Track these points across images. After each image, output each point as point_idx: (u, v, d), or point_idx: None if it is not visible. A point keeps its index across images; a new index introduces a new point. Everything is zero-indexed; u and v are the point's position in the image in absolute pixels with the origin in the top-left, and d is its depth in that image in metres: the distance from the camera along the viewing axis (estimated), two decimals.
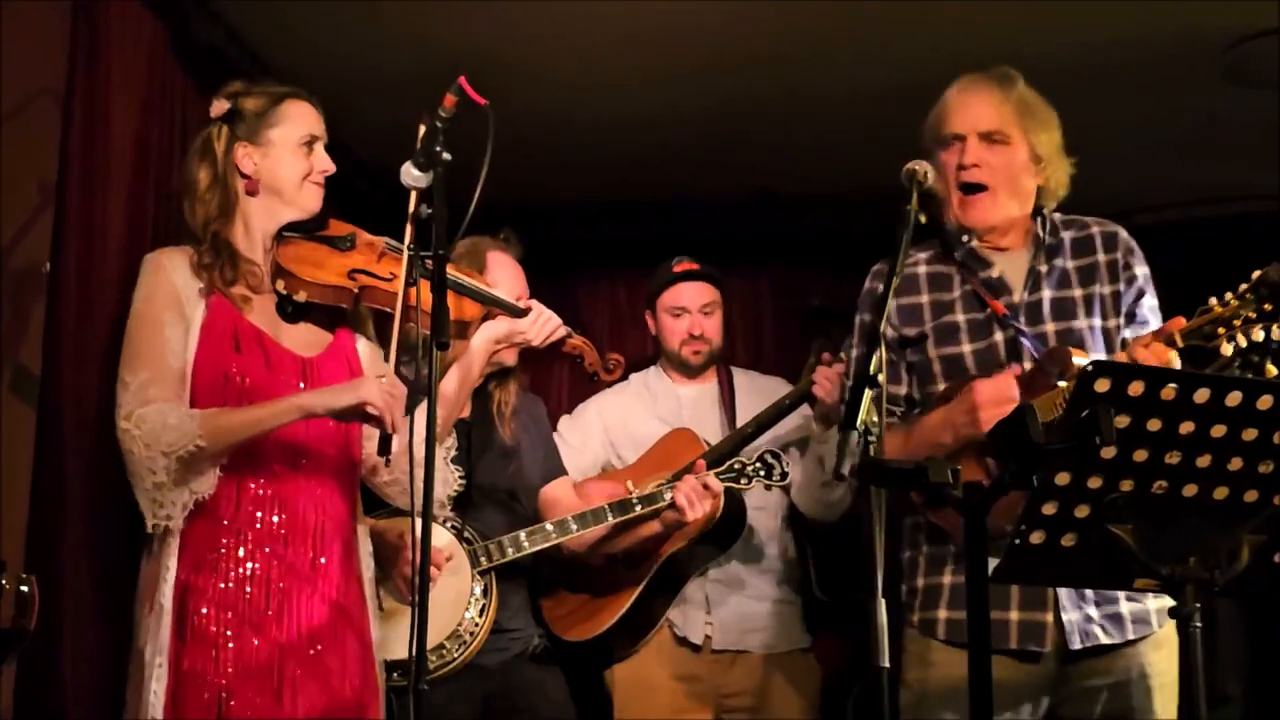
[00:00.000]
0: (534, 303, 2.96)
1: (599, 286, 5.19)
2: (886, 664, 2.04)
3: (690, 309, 3.77)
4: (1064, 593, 2.61)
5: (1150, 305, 2.73)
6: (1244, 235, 4.30)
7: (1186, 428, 1.92)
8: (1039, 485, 1.95)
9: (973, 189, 2.69)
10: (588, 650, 3.57)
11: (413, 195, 2.37)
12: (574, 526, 3.31)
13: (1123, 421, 1.89)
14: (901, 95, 3.95)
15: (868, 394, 2.07)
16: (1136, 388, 1.89)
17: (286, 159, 2.66)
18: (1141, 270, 2.73)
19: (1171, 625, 2.49)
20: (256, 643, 2.49)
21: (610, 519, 3.33)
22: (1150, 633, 2.64)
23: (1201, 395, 1.91)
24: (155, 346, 2.52)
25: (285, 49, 3.66)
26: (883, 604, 2.02)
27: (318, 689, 2.52)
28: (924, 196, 2.35)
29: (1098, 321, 2.69)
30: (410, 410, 2.26)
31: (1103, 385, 1.89)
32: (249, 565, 2.51)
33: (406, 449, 2.29)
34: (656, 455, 3.63)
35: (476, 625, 3.17)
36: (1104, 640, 2.62)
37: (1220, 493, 1.98)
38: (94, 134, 3.06)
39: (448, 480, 2.88)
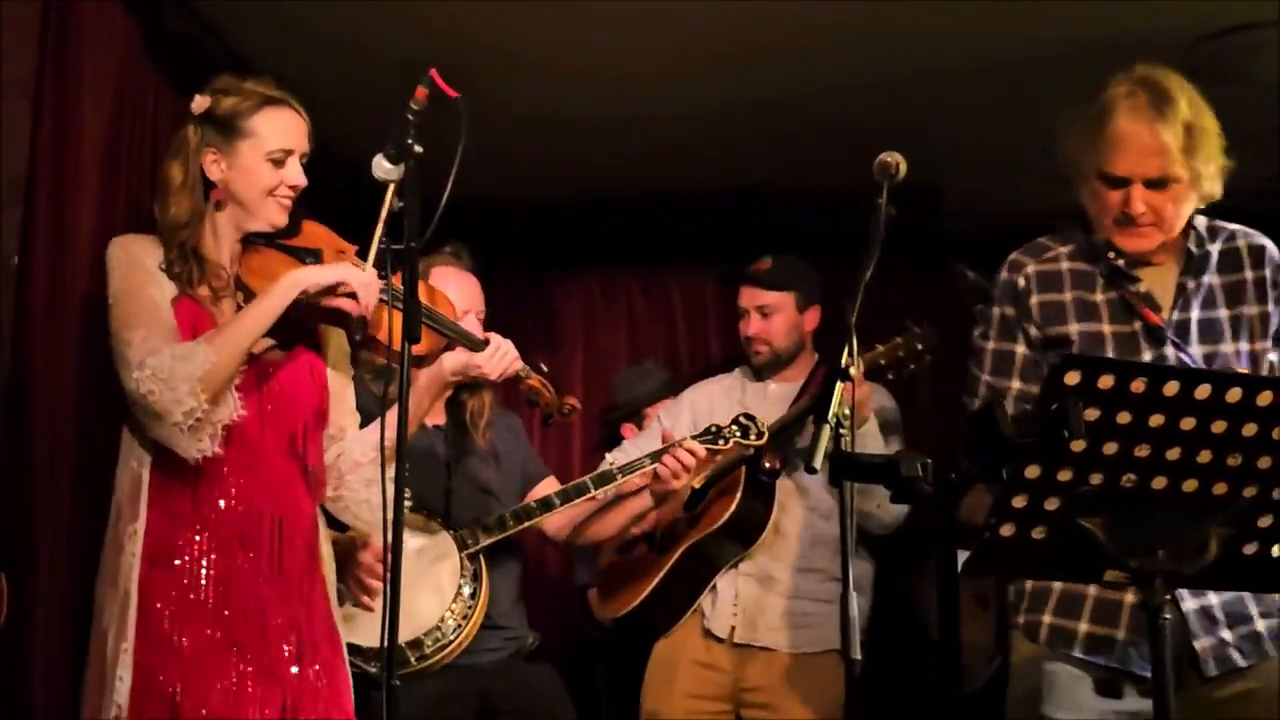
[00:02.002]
0: (494, 336, 2.95)
1: (573, 285, 5.19)
2: (859, 656, 2.04)
3: (749, 309, 3.81)
4: (1194, 619, 2.47)
5: None
6: None
7: (1156, 421, 1.93)
8: (1009, 478, 1.96)
9: (1138, 225, 2.56)
10: (636, 630, 3.67)
11: (390, 189, 2.36)
12: (557, 502, 3.30)
13: (1092, 414, 1.90)
14: (879, 90, 4.01)
15: (839, 386, 2.07)
16: (1106, 381, 1.91)
17: (252, 172, 2.60)
18: None
19: None
20: (211, 637, 2.48)
21: (593, 490, 3.32)
22: None
23: (1171, 388, 1.92)
24: (145, 307, 2.51)
25: (260, 42, 3.64)
26: (854, 597, 2.02)
27: (275, 687, 2.51)
28: (895, 190, 2.33)
29: (1245, 345, 2.57)
30: (381, 412, 2.25)
31: (1073, 378, 1.90)
32: (206, 560, 2.50)
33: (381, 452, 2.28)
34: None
35: (465, 619, 3.15)
36: (1241, 664, 2.49)
37: (1189, 485, 1.99)
38: (64, 127, 3.03)
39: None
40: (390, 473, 2.23)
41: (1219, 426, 1.95)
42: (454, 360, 2.88)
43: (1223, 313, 2.58)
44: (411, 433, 2.95)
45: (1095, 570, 2.05)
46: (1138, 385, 1.91)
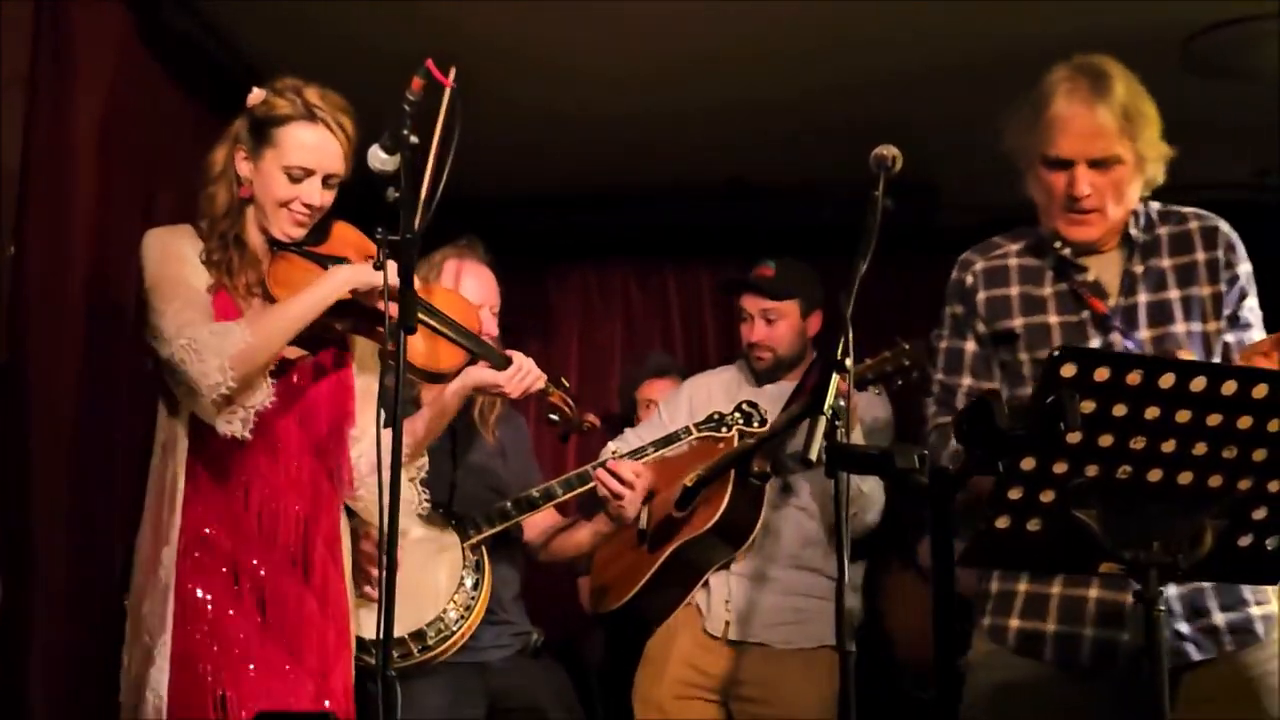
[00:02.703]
0: (516, 355, 2.93)
1: (569, 278, 5.18)
2: (852, 649, 2.04)
3: (752, 314, 3.80)
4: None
5: (1251, 306, 2.59)
6: None
7: (1152, 413, 1.93)
8: (1005, 470, 1.96)
9: (1083, 211, 2.57)
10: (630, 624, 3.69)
11: (428, 181, 2.34)
12: (559, 491, 3.30)
13: (1088, 407, 1.90)
14: (875, 85, 4.01)
15: (835, 378, 2.06)
16: (1102, 373, 1.91)
17: (270, 181, 2.60)
18: (1244, 269, 2.59)
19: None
20: (247, 627, 2.50)
21: (594, 475, 3.31)
22: (1254, 642, 2.47)
23: (1167, 380, 1.92)
24: (181, 287, 2.51)
25: (257, 35, 3.64)
26: (849, 589, 2.02)
27: (305, 679, 2.54)
28: (891, 183, 2.33)
29: (1197, 326, 2.55)
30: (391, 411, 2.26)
31: (1069, 370, 1.90)
32: (240, 554, 2.52)
33: (377, 455, 2.29)
34: (697, 450, 3.63)
35: (467, 610, 3.15)
36: (1196, 657, 2.44)
37: (1184, 477, 1.99)
38: (59, 120, 3.03)
39: (412, 500, 2.83)
40: (389, 477, 2.22)
41: (1214, 419, 1.95)
42: (477, 377, 2.88)
43: (1174, 294, 2.58)
44: (429, 442, 2.98)
45: (1090, 562, 2.05)
46: (1134, 378, 1.91)
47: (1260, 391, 1.95)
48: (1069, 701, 2.48)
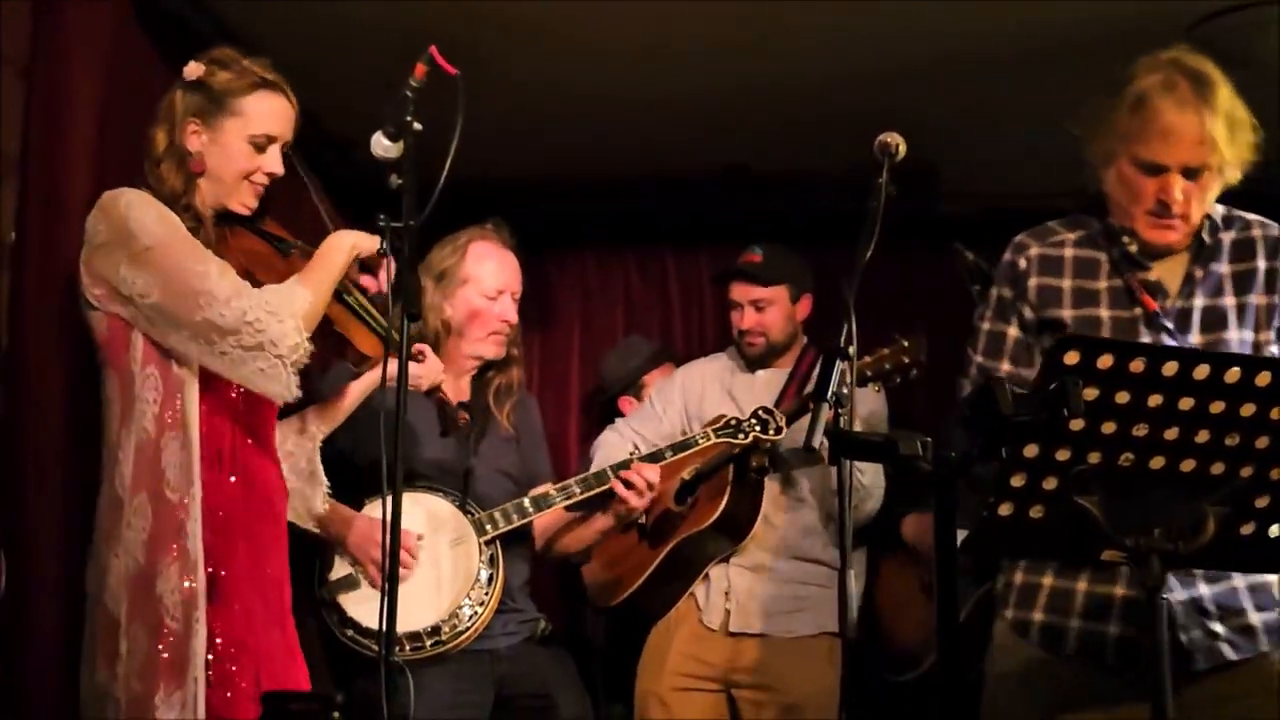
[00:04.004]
0: (425, 348, 2.98)
1: (570, 264, 5.17)
2: (855, 635, 2.05)
3: (742, 303, 3.79)
4: (1181, 611, 2.43)
5: None
6: None
7: (1155, 400, 1.94)
8: (1008, 457, 1.96)
9: (1171, 216, 2.53)
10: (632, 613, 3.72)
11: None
12: (577, 490, 3.30)
13: (1091, 394, 1.91)
14: (877, 74, 4.00)
15: (840, 365, 2.06)
16: (1105, 361, 1.91)
17: (233, 152, 2.59)
18: None
19: None
20: (266, 603, 2.54)
21: (613, 479, 3.32)
22: None
23: (1170, 368, 1.93)
24: (201, 248, 2.49)
25: (253, 17, 3.61)
26: (852, 574, 2.03)
27: (298, 658, 2.59)
28: (893, 170, 2.32)
29: (1249, 335, 2.54)
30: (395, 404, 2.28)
31: (1072, 358, 1.90)
32: (252, 530, 2.54)
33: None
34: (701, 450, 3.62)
35: (481, 604, 3.15)
36: (1232, 657, 2.45)
37: (1187, 465, 1.99)
38: (56, 105, 3.02)
39: (308, 498, 2.85)
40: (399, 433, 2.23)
41: (1217, 407, 1.96)
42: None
43: (1229, 300, 2.55)
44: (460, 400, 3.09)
45: (1092, 549, 2.06)
46: (1137, 365, 1.92)
47: (1264, 379, 1.96)
48: (1092, 694, 2.46)
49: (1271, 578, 2.46)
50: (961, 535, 2.02)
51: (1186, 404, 1.95)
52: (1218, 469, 2.00)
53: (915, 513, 3.84)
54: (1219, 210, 2.61)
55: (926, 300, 4.61)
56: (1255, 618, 2.45)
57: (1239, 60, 3.71)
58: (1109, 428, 1.95)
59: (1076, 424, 1.92)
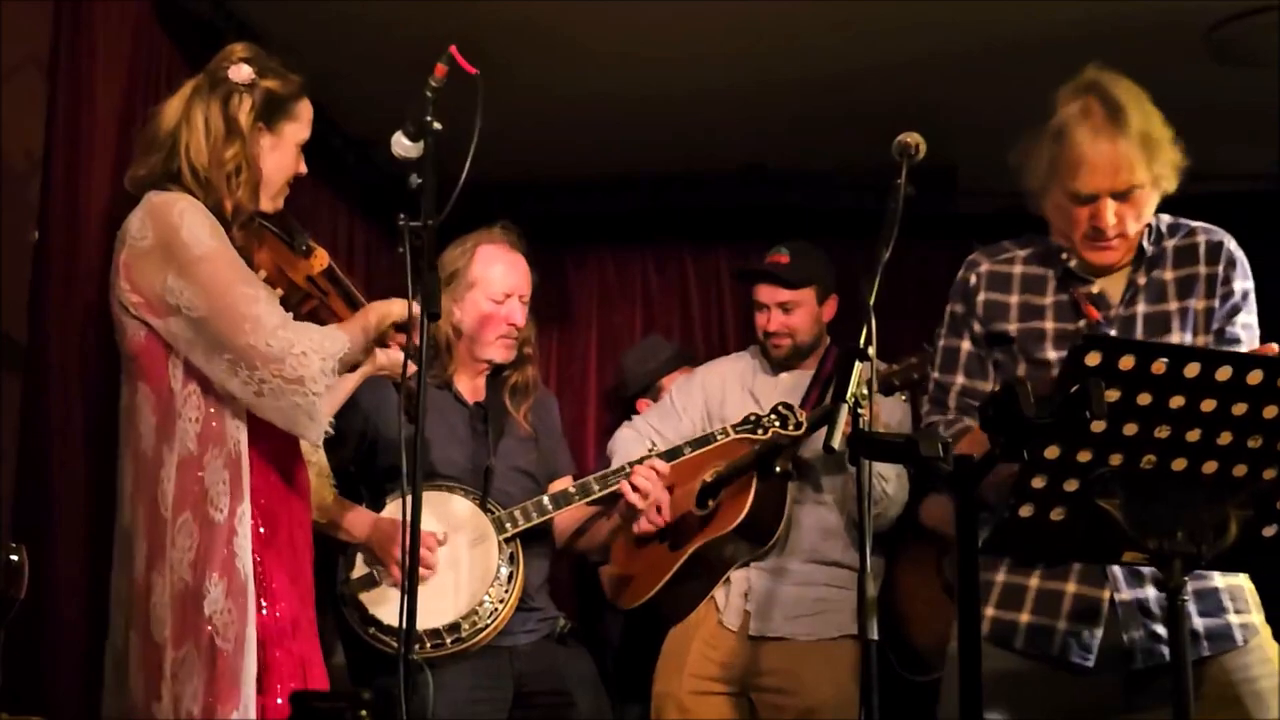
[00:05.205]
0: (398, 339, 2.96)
1: (587, 262, 5.17)
2: (875, 636, 2.05)
3: (769, 304, 3.77)
4: (1124, 611, 2.45)
5: (1244, 322, 2.59)
6: (1232, 216, 4.31)
7: (1177, 402, 1.93)
8: (1029, 459, 1.96)
9: (1108, 238, 2.56)
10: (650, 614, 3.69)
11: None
12: (596, 488, 3.30)
13: (1113, 395, 1.90)
14: (894, 71, 4.00)
15: (858, 366, 2.06)
16: (1127, 362, 1.91)
17: (288, 157, 2.55)
18: (1241, 285, 2.59)
19: (1259, 636, 2.46)
20: (304, 614, 2.54)
21: (621, 481, 3.31)
22: (1232, 648, 2.46)
23: (1192, 370, 1.92)
24: (253, 275, 2.45)
25: (273, 18, 3.63)
26: (870, 578, 2.02)
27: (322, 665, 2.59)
28: (912, 170, 2.32)
29: (1188, 338, 2.56)
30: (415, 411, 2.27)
31: (1094, 359, 1.90)
32: (295, 544, 2.54)
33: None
34: (721, 448, 3.62)
35: (502, 602, 3.15)
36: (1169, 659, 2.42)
37: (1209, 467, 1.99)
38: (78, 104, 3.04)
39: (315, 491, 2.83)
40: (419, 428, 2.23)
41: (1240, 408, 1.95)
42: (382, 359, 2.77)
43: (1172, 305, 2.58)
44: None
45: (1114, 551, 2.05)
46: (1159, 366, 1.91)
47: None
48: (1048, 694, 2.47)
49: (1222, 583, 2.48)
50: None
51: (1209, 405, 1.94)
52: (1240, 471, 1.99)
53: (933, 494, 3.80)
54: (1165, 219, 2.65)
55: (943, 299, 4.59)
56: (1199, 623, 2.45)
57: (1258, 62, 3.72)
58: (1130, 429, 1.94)
59: (1098, 425, 1.92)
